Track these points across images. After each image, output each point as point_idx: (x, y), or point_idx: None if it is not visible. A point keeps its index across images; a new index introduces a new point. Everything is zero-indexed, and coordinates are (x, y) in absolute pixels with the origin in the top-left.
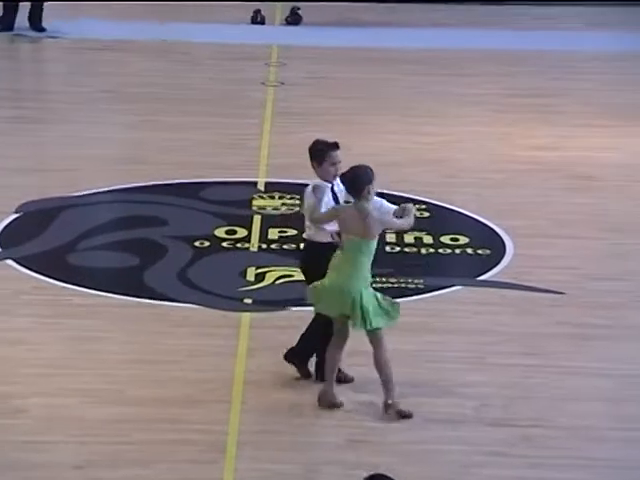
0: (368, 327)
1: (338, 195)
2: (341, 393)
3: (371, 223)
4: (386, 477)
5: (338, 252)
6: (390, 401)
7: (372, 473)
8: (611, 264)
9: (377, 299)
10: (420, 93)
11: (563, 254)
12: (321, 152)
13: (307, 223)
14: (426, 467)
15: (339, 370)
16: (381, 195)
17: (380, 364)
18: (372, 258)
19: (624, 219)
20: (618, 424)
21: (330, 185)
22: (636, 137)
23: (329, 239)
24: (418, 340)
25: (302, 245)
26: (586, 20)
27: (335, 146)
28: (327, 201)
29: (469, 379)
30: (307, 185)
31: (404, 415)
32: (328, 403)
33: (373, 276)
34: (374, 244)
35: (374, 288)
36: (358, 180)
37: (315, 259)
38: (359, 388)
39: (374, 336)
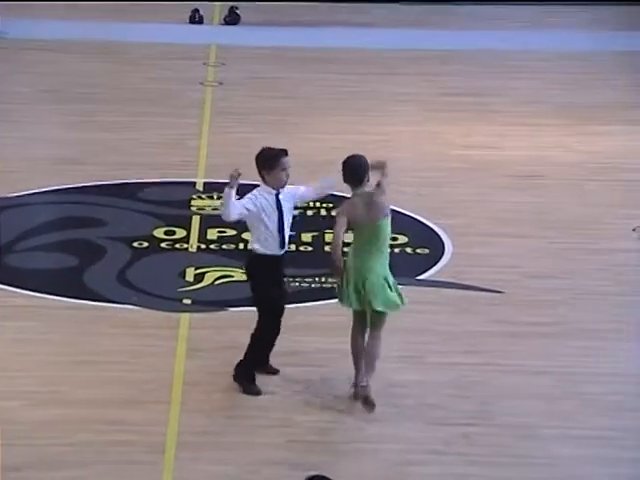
0: (380, 308)
1: (282, 203)
2: (280, 395)
3: (381, 205)
4: (325, 478)
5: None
6: (364, 384)
7: (312, 474)
8: (550, 262)
9: (389, 283)
10: (355, 93)
11: (502, 253)
12: (273, 159)
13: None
14: (365, 466)
15: (267, 362)
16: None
17: (372, 345)
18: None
19: (563, 217)
20: (555, 422)
21: (275, 192)
22: (577, 136)
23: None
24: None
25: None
26: (532, 20)
27: (285, 152)
28: (266, 208)
29: (408, 378)
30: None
31: (369, 403)
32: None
33: (311, 277)
34: (384, 225)
35: (312, 289)
36: (360, 169)
37: (258, 270)
38: (297, 388)
39: (380, 318)
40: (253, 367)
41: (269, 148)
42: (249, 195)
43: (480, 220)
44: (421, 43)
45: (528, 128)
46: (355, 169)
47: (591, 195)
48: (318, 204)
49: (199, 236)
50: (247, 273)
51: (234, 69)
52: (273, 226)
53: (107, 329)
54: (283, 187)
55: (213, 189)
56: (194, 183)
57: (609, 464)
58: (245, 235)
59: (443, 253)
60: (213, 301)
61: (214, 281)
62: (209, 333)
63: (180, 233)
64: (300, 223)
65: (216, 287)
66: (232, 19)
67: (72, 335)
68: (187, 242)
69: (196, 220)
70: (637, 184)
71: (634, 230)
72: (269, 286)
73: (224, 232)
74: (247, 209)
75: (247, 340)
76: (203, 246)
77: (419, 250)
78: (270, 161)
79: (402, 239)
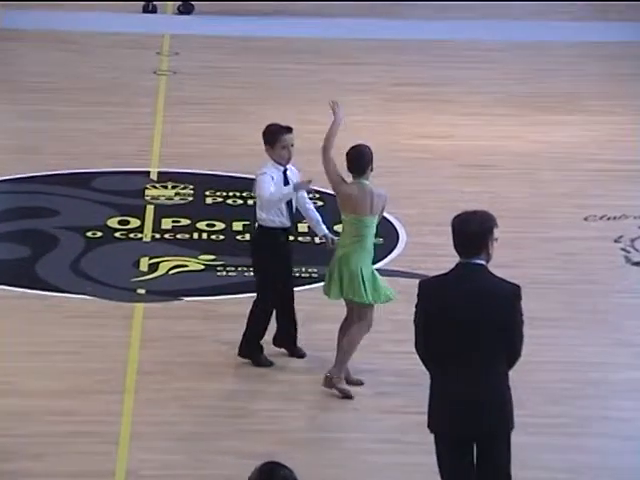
0: (367, 300)
1: (290, 180)
2: (235, 384)
3: (375, 200)
4: (279, 465)
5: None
6: (336, 376)
7: (265, 461)
8: (503, 252)
9: (375, 275)
10: (309, 82)
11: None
12: (273, 135)
13: (258, 210)
14: (320, 455)
15: (295, 344)
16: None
17: (352, 335)
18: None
19: (516, 207)
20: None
21: (283, 169)
22: (531, 126)
23: (279, 224)
24: (310, 329)
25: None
26: (487, 9)
27: (288, 129)
28: (276, 184)
29: (363, 367)
30: (250, 175)
31: (345, 394)
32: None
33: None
34: (375, 220)
35: None
36: (363, 159)
37: (265, 244)
38: (253, 377)
39: (365, 309)
40: (258, 338)
41: (273, 124)
42: (265, 178)
43: (434, 210)
44: (376, 33)
45: (482, 118)
46: (358, 158)
47: (544, 185)
48: None
49: (153, 226)
50: (254, 247)
51: (188, 58)
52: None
53: (60, 319)
54: (287, 162)
55: (167, 178)
56: (148, 172)
57: (559, 451)
58: (199, 225)
59: (397, 243)
60: (167, 291)
61: (168, 271)
62: (163, 323)
63: (134, 223)
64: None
65: (170, 277)
66: (185, 8)
67: (25, 325)
68: (141, 232)
69: (150, 210)
70: (590, 174)
71: (586, 219)
72: (274, 261)
73: (178, 222)
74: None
75: (201, 330)
76: (157, 236)
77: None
78: (271, 137)
79: None
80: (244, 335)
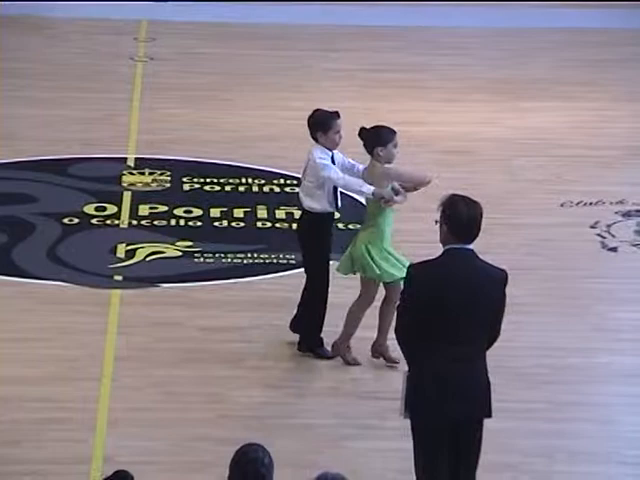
0: (369, 275)
1: (336, 165)
2: (213, 370)
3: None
4: (254, 446)
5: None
6: (342, 344)
7: (243, 445)
8: (482, 238)
9: (389, 253)
10: (287, 68)
11: (431, 228)
12: (327, 121)
13: (302, 194)
14: (298, 441)
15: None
16: (249, 170)
17: (352, 310)
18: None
19: (491, 193)
20: None
21: (331, 154)
22: (507, 112)
23: (326, 210)
24: (288, 315)
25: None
26: None
27: (338, 115)
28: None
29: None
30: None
31: (349, 362)
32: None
33: (243, 252)
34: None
35: (244, 264)
36: (370, 139)
37: (313, 229)
38: (231, 364)
39: (367, 285)
40: (319, 330)
41: (322, 110)
42: (325, 162)
43: (410, 196)
44: (354, 19)
45: (458, 104)
46: (367, 138)
47: (520, 171)
48: (250, 180)
49: (130, 212)
50: (302, 233)
51: (165, 44)
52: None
53: (37, 306)
54: (334, 149)
55: (144, 165)
56: (125, 159)
57: (535, 436)
58: (176, 211)
59: None
60: (144, 277)
61: (145, 257)
62: (140, 310)
63: (111, 209)
64: (232, 198)
65: (148, 263)
66: None
67: (1, 312)
68: (118, 218)
69: (127, 196)
70: (566, 160)
71: (562, 206)
72: (324, 247)
73: (155, 208)
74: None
75: (179, 316)
76: (134, 222)
77: (351, 226)
78: (324, 124)
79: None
80: (302, 329)
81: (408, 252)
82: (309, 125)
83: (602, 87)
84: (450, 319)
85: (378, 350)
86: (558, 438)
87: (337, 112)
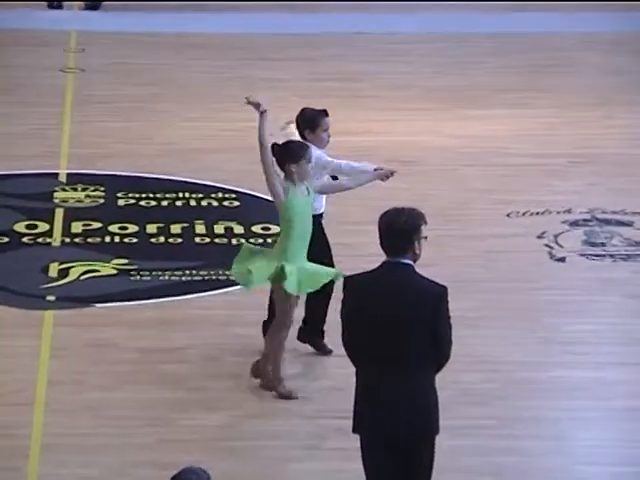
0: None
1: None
2: (151, 392)
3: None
4: (197, 469)
5: None
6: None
7: (182, 469)
8: (427, 250)
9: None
10: (223, 79)
11: (376, 241)
12: (314, 119)
13: None
14: (241, 464)
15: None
16: (186, 184)
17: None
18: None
19: (437, 204)
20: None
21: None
22: (451, 121)
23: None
24: (227, 333)
25: None
26: (403, 3)
27: (325, 113)
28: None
29: (284, 372)
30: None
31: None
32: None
33: (181, 269)
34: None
35: (183, 282)
36: (282, 155)
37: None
38: (171, 386)
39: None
40: (321, 323)
41: (310, 109)
42: (324, 155)
43: (353, 208)
44: (290, 27)
45: (400, 113)
46: (281, 154)
47: (465, 181)
48: (187, 194)
49: (63, 230)
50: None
51: (96, 55)
52: None
53: None
54: (325, 146)
55: (77, 180)
56: (56, 174)
57: (482, 454)
58: (111, 228)
59: None
60: (78, 297)
61: (79, 276)
62: (74, 331)
63: (43, 227)
64: (169, 214)
65: (81, 282)
66: (92, 4)
67: None
68: (50, 236)
69: (59, 213)
70: (512, 169)
71: (508, 216)
72: (321, 248)
73: (89, 225)
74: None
75: (114, 337)
76: (67, 240)
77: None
78: (312, 122)
79: (275, 229)
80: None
81: (351, 267)
82: (297, 124)
83: (547, 94)
84: (376, 333)
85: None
86: (507, 455)
87: (325, 110)
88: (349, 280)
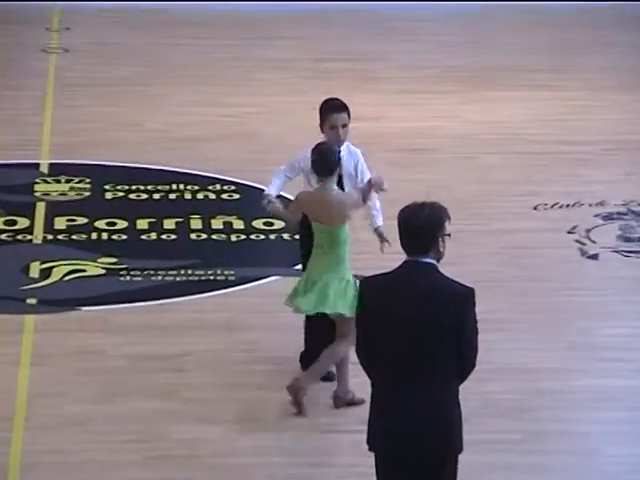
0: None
1: (342, 160)
2: (141, 404)
3: (339, 207)
4: None
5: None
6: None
7: None
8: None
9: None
10: (220, 59)
11: (390, 238)
12: (323, 112)
13: None
14: None
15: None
16: (180, 175)
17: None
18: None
19: (456, 196)
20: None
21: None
22: (469, 104)
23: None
24: (227, 339)
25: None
26: None
27: (340, 108)
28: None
29: (286, 382)
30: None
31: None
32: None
33: (175, 269)
34: (345, 229)
35: (177, 282)
36: (326, 159)
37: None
38: (162, 397)
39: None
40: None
41: (330, 99)
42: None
43: None
44: (296, 3)
45: (414, 96)
46: (327, 156)
47: (486, 170)
48: (182, 186)
49: (45, 225)
50: (300, 240)
51: (81, 34)
52: None
53: None
54: (339, 145)
55: (60, 171)
56: (38, 165)
57: (509, 470)
58: (98, 223)
59: None
60: (62, 300)
61: (63, 277)
62: (58, 337)
63: (22, 223)
64: (161, 208)
65: (66, 283)
66: None
67: None
68: (31, 233)
69: (41, 207)
70: (539, 157)
71: (535, 209)
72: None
73: (74, 220)
74: (288, 177)
75: (101, 344)
76: (50, 237)
77: (297, 236)
78: (321, 113)
79: (278, 224)
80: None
81: (365, 265)
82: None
83: (577, 74)
84: (395, 340)
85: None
86: (533, 473)
87: (343, 105)
88: (366, 282)
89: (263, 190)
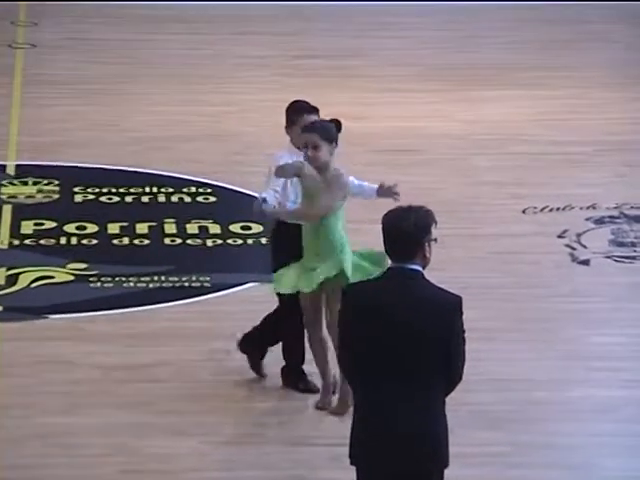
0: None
1: None
2: (114, 417)
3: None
4: None
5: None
6: None
7: None
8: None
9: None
10: (195, 56)
11: (374, 241)
12: (295, 114)
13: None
14: None
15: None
16: (154, 177)
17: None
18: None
19: (443, 199)
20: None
21: (303, 156)
22: (458, 103)
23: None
24: (203, 349)
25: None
26: None
27: (313, 110)
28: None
29: (266, 393)
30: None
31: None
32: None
33: (148, 275)
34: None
35: (150, 289)
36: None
37: (283, 239)
38: (136, 409)
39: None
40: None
41: (298, 101)
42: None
43: (350, 205)
44: None
45: (400, 95)
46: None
47: (473, 172)
48: (155, 189)
49: (11, 230)
50: (271, 245)
51: (50, 29)
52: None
53: None
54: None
55: (27, 173)
56: (3, 166)
57: None
58: (67, 227)
59: None
60: (29, 307)
61: (30, 283)
62: (24, 346)
63: None
64: (134, 211)
65: (33, 290)
66: None
67: None
68: None
69: (7, 210)
70: (529, 158)
71: (524, 212)
72: (291, 258)
73: (42, 224)
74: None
75: (70, 353)
76: (16, 242)
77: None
78: (291, 115)
79: (256, 228)
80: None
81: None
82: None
83: (568, 72)
84: (379, 351)
85: None
86: None
87: (315, 108)
88: (349, 289)
89: (240, 193)
